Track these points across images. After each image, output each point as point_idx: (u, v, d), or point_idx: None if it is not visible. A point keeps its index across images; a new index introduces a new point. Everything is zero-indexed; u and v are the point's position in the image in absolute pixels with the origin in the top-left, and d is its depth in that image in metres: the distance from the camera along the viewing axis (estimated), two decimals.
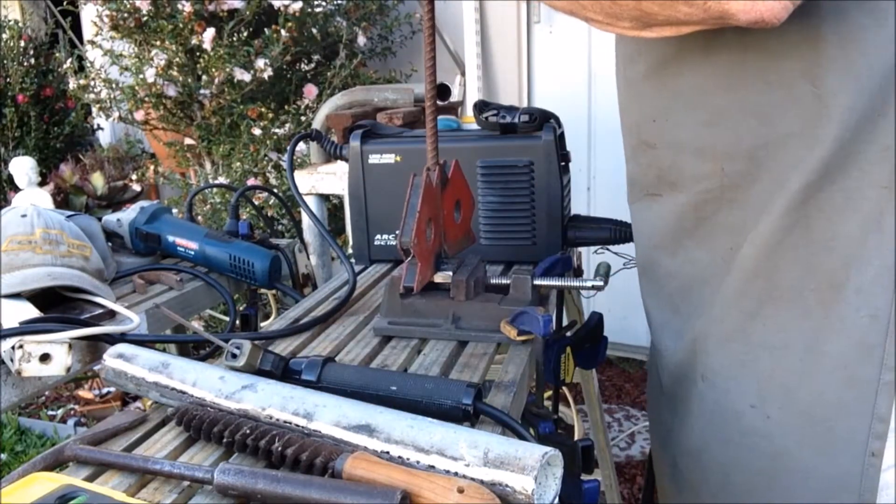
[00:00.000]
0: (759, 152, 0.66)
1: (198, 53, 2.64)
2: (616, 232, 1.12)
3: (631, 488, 2.23)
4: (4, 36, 3.37)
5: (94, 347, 0.87)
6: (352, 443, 0.57)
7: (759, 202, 0.67)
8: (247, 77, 2.56)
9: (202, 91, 2.66)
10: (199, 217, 2.61)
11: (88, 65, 3.08)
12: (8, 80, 3.28)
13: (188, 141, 2.84)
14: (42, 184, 1.53)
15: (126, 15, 2.65)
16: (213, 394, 0.66)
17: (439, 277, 0.88)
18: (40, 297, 0.94)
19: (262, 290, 1.29)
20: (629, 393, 2.78)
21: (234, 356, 0.71)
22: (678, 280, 0.78)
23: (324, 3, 2.72)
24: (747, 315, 0.70)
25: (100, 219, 1.25)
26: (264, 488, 0.53)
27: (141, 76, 2.70)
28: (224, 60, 2.55)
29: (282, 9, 2.58)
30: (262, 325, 1.34)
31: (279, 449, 0.57)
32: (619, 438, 2.49)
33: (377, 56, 2.91)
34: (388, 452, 0.55)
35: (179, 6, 2.58)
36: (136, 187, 2.95)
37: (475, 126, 1.13)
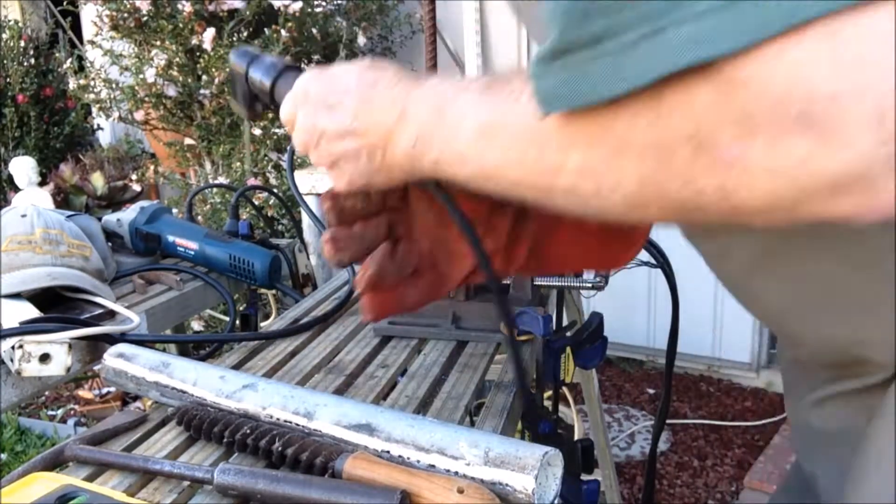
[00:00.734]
0: None
1: (198, 53, 2.64)
2: None
3: (631, 488, 2.23)
4: (4, 36, 3.37)
5: (94, 347, 0.87)
6: (352, 442, 0.57)
7: None
8: None
9: (202, 91, 2.66)
10: (199, 217, 2.61)
11: (88, 65, 3.08)
12: (8, 80, 3.28)
13: (188, 141, 2.84)
14: (42, 184, 1.53)
15: (126, 15, 2.65)
16: (214, 393, 0.66)
17: None
18: (40, 297, 0.94)
19: (262, 290, 1.29)
20: (629, 393, 2.78)
21: None
22: None
23: (324, 3, 2.72)
24: None
25: (100, 219, 1.25)
26: (264, 488, 0.53)
27: (141, 76, 2.70)
28: (224, 60, 2.55)
29: (282, 9, 2.58)
30: (262, 325, 1.34)
31: (279, 449, 0.57)
32: (619, 438, 2.49)
33: (377, 56, 2.91)
34: (388, 451, 0.55)
35: (179, 6, 2.58)
36: (136, 187, 2.95)
37: None
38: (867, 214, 0.33)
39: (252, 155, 2.63)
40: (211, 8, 2.58)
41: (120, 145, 3.53)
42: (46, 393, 2.79)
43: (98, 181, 1.93)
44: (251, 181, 2.57)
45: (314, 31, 2.65)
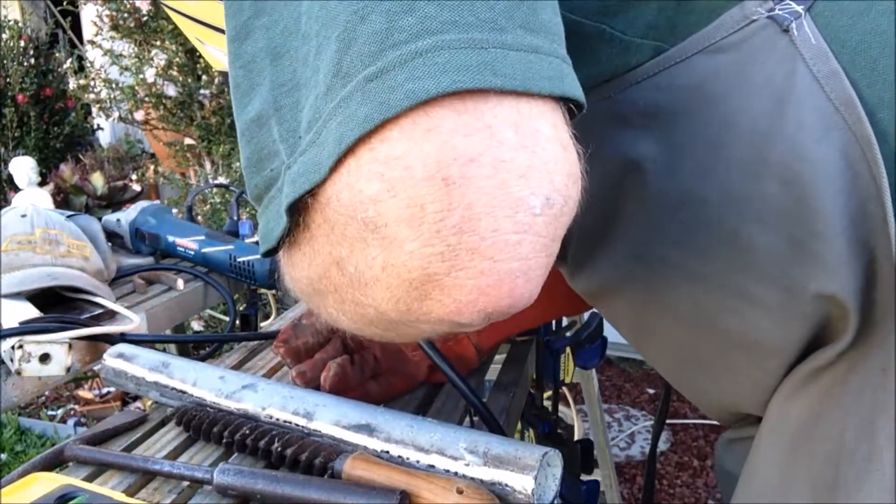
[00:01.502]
0: None
1: (197, 54, 2.64)
2: None
3: (631, 488, 2.23)
4: (4, 36, 3.37)
5: (94, 347, 0.87)
6: (352, 442, 0.57)
7: None
8: None
9: (202, 91, 2.66)
10: (199, 217, 2.61)
11: (88, 65, 3.09)
12: (8, 80, 3.28)
13: (188, 141, 2.84)
14: (42, 184, 1.53)
15: (126, 15, 2.65)
16: (214, 393, 0.66)
17: None
18: (40, 297, 0.94)
19: (262, 290, 1.29)
20: (629, 393, 2.78)
21: None
22: None
23: None
24: None
25: (100, 219, 1.25)
26: (264, 488, 0.53)
27: (141, 76, 2.70)
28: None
29: None
30: (262, 325, 1.34)
31: (279, 449, 0.57)
32: (619, 438, 2.49)
33: None
34: (388, 452, 0.55)
35: None
36: (136, 187, 2.94)
37: None
38: (462, 315, 0.33)
39: None
40: None
41: (120, 145, 3.53)
42: (46, 393, 2.79)
43: (98, 181, 1.92)
44: None
45: None
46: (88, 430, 0.67)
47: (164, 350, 0.94)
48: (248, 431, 0.60)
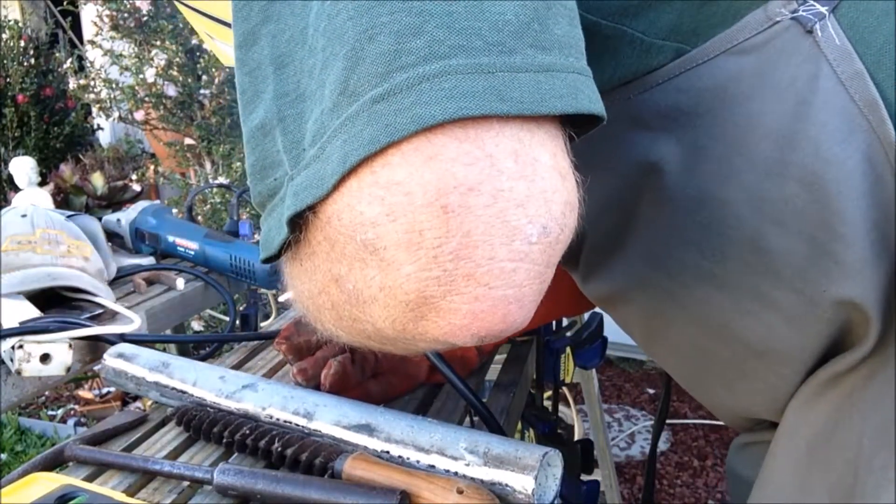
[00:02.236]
0: None
1: (198, 53, 2.64)
2: None
3: (631, 488, 2.23)
4: (4, 36, 3.36)
5: (94, 347, 0.87)
6: (352, 442, 0.57)
7: None
8: None
9: (202, 91, 2.66)
10: (199, 217, 2.61)
11: (88, 65, 3.09)
12: (8, 80, 3.28)
13: (188, 141, 2.84)
14: (42, 184, 1.52)
15: (126, 15, 2.66)
16: (214, 393, 0.66)
17: None
18: (40, 297, 0.94)
19: (262, 290, 1.29)
20: (629, 393, 2.78)
21: None
22: None
23: None
24: None
25: (100, 219, 1.25)
26: (264, 488, 0.53)
27: (141, 76, 2.70)
28: None
29: None
30: (262, 325, 1.34)
31: (279, 449, 0.57)
32: (619, 438, 2.49)
33: None
34: (388, 452, 0.55)
35: None
36: (136, 187, 2.93)
37: None
38: (456, 337, 0.34)
39: None
40: None
41: (120, 145, 3.52)
42: (46, 393, 2.79)
43: (98, 181, 1.92)
44: None
45: None
46: (88, 430, 0.66)
47: (164, 350, 0.94)
48: (248, 431, 0.60)
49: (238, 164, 2.64)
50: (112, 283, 1.11)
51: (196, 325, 2.61)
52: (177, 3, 1.37)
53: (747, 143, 0.45)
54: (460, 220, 0.31)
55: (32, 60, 3.40)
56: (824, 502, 0.48)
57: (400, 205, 0.31)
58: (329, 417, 0.60)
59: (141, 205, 1.27)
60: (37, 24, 3.76)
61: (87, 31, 3.36)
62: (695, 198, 0.48)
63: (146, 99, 2.74)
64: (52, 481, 0.56)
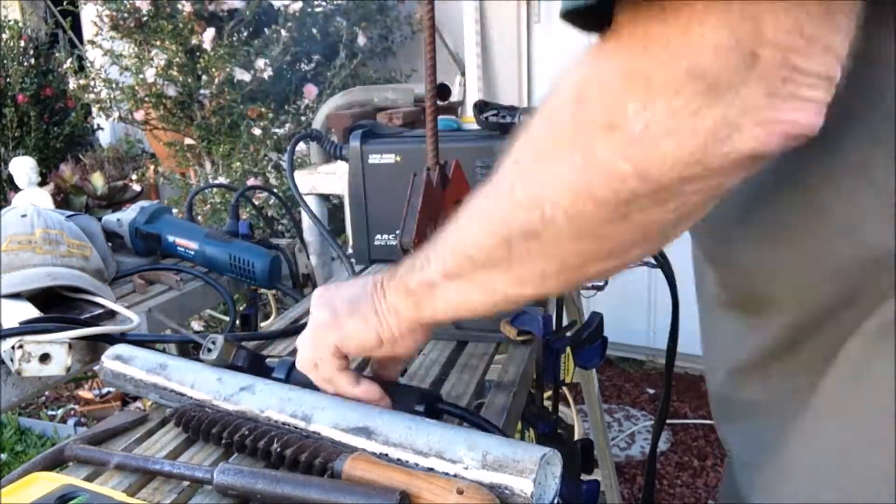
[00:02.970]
0: None
1: (198, 53, 2.64)
2: None
3: (631, 488, 2.23)
4: (4, 36, 3.37)
5: (94, 347, 0.87)
6: (350, 445, 0.57)
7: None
8: (247, 77, 2.56)
9: (202, 91, 2.66)
10: (199, 217, 2.61)
11: (88, 65, 3.08)
12: (8, 80, 3.28)
13: (188, 141, 2.84)
14: (42, 184, 1.53)
15: (126, 15, 2.65)
16: (212, 395, 0.66)
17: None
18: (40, 297, 0.94)
19: (262, 290, 1.29)
20: (629, 393, 2.78)
21: (209, 350, 0.71)
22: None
23: (324, 3, 2.72)
24: None
25: (100, 219, 1.25)
26: (264, 488, 0.53)
27: (141, 76, 2.70)
28: (224, 60, 2.55)
29: (282, 9, 2.58)
30: (262, 325, 1.34)
31: (278, 449, 0.57)
32: (619, 438, 2.49)
33: (377, 56, 2.91)
34: (386, 455, 0.55)
35: (179, 6, 2.58)
36: (136, 187, 2.94)
37: (475, 126, 1.13)
38: (770, 142, 0.38)
39: (252, 155, 2.63)
40: (211, 8, 2.58)
41: (120, 145, 3.52)
42: (46, 393, 2.79)
43: (98, 181, 1.92)
44: (251, 181, 2.57)
45: (314, 30, 2.65)
46: (88, 430, 0.67)
47: (164, 350, 0.94)
48: (247, 432, 0.60)
49: (238, 164, 2.64)
50: (112, 283, 1.11)
51: (196, 325, 2.61)
52: None
53: None
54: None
55: (32, 60, 3.40)
56: None
57: (748, 35, 0.36)
58: (327, 420, 0.59)
59: (141, 205, 1.27)
60: (37, 24, 3.76)
61: (87, 31, 3.36)
62: None
63: (146, 99, 2.73)
64: (52, 481, 0.56)
